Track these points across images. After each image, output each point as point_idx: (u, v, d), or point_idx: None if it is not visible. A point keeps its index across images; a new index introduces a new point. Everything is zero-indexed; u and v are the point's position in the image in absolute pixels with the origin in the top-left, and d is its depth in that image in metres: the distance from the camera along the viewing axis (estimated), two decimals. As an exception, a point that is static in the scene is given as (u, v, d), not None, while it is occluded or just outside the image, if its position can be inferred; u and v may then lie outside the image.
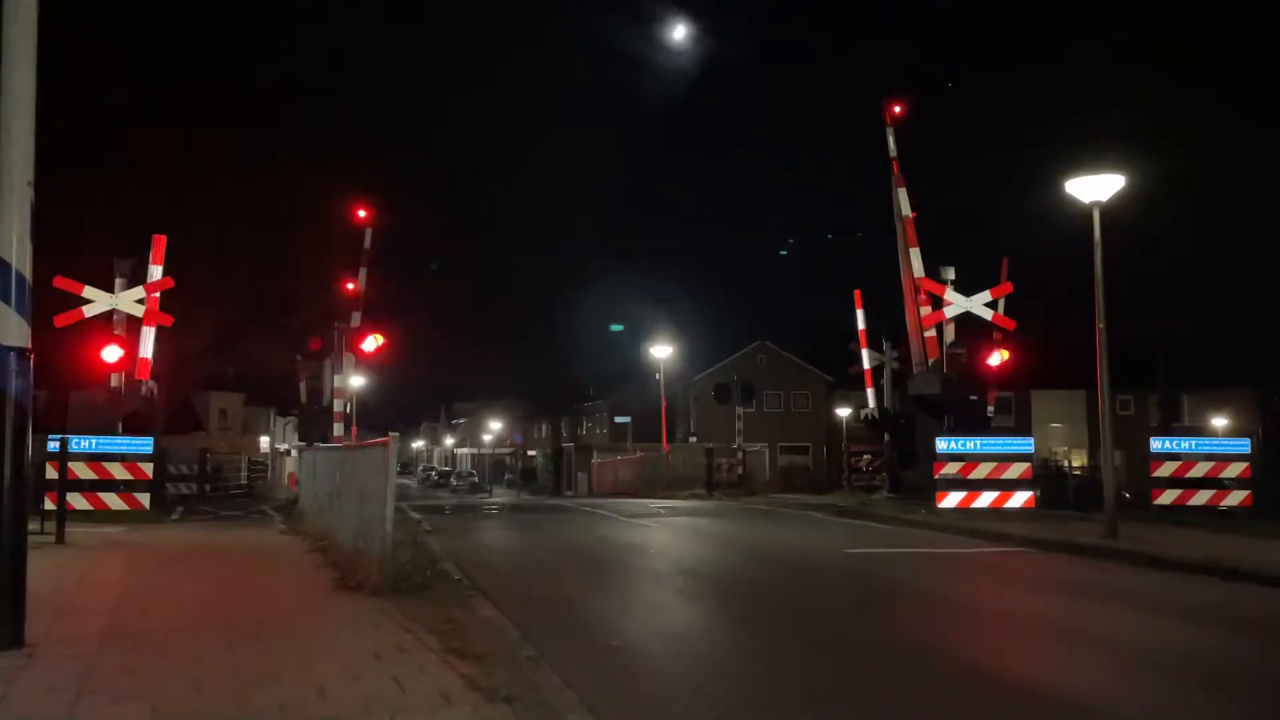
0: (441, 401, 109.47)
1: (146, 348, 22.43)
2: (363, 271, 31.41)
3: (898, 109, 28.47)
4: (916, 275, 25.78)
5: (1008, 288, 24.14)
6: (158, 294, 22.43)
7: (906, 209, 26.93)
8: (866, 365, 31.92)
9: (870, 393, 31.81)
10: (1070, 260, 24.48)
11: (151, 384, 22.75)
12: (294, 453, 43.35)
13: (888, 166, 28.01)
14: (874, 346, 32.63)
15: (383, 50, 58.25)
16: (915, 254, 26.09)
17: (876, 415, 31.41)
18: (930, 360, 24.90)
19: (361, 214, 31.50)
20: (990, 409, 23.85)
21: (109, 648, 7.10)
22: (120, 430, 21.60)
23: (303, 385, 33.88)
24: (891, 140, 28.09)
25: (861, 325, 32.10)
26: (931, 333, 25.17)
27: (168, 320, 22.16)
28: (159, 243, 22.39)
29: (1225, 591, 11.71)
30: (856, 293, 32.26)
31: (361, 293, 31.26)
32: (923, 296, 25.51)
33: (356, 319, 30.89)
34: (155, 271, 22.51)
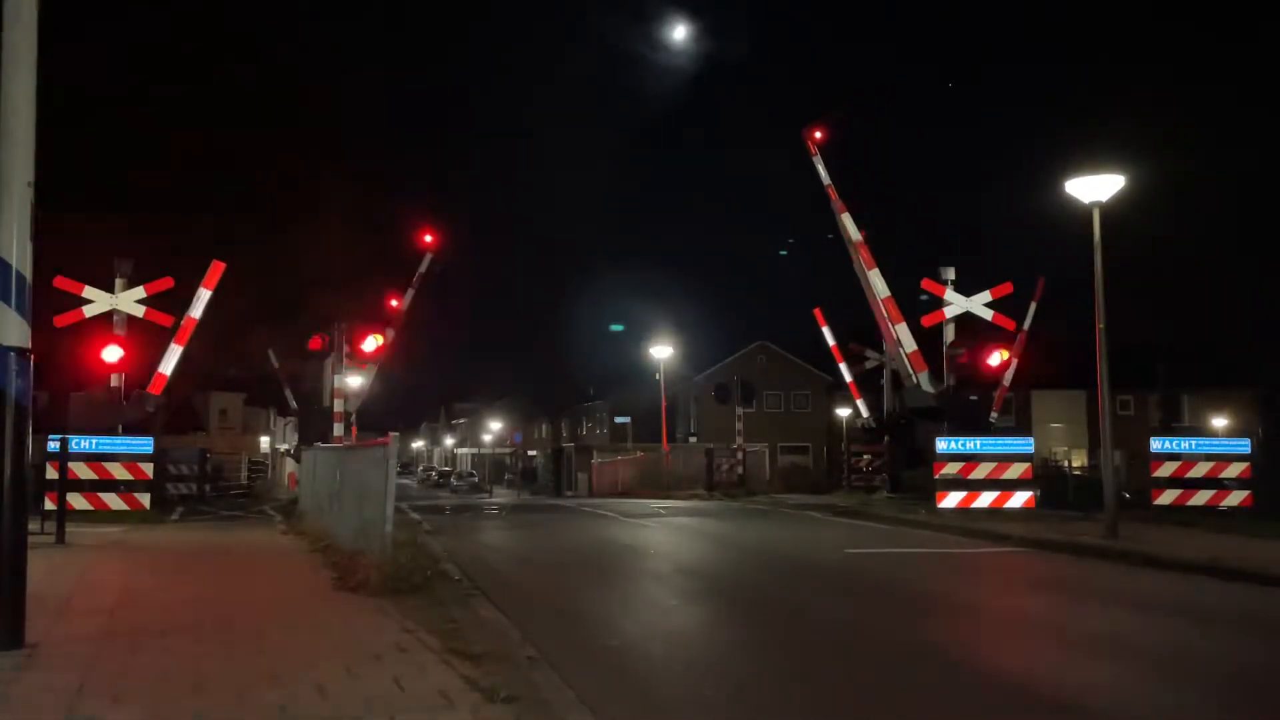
0: (441, 401, 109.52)
1: (168, 365, 22.54)
2: (410, 292, 31.95)
3: (819, 135, 28.04)
4: (881, 296, 25.52)
5: (1007, 288, 24.12)
6: (197, 315, 22.62)
7: (855, 234, 26.56)
8: (848, 379, 32.41)
9: (860, 403, 32.08)
10: (1070, 260, 24.50)
11: (161, 399, 22.78)
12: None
13: (826, 195, 27.38)
14: (873, 347, 32.80)
15: (383, 51, 58.20)
16: (875, 275, 25.79)
17: (873, 424, 31.51)
18: (918, 374, 24.73)
19: (428, 239, 32.19)
20: (994, 414, 23.76)
21: (109, 648, 7.10)
22: (120, 430, 21.60)
23: (288, 392, 34.10)
24: (821, 169, 27.65)
25: (832, 341, 32.66)
26: (914, 347, 25.03)
27: (168, 320, 22.16)
28: (216, 269, 22.55)
29: (1225, 591, 11.71)
30: (817, 311, 32.88)
31: (404, 311, 31.76)
32: (894, 314, 25.35)
33: (390, 335, 31.46)
34: (204, 295, 22.71)
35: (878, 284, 25.72)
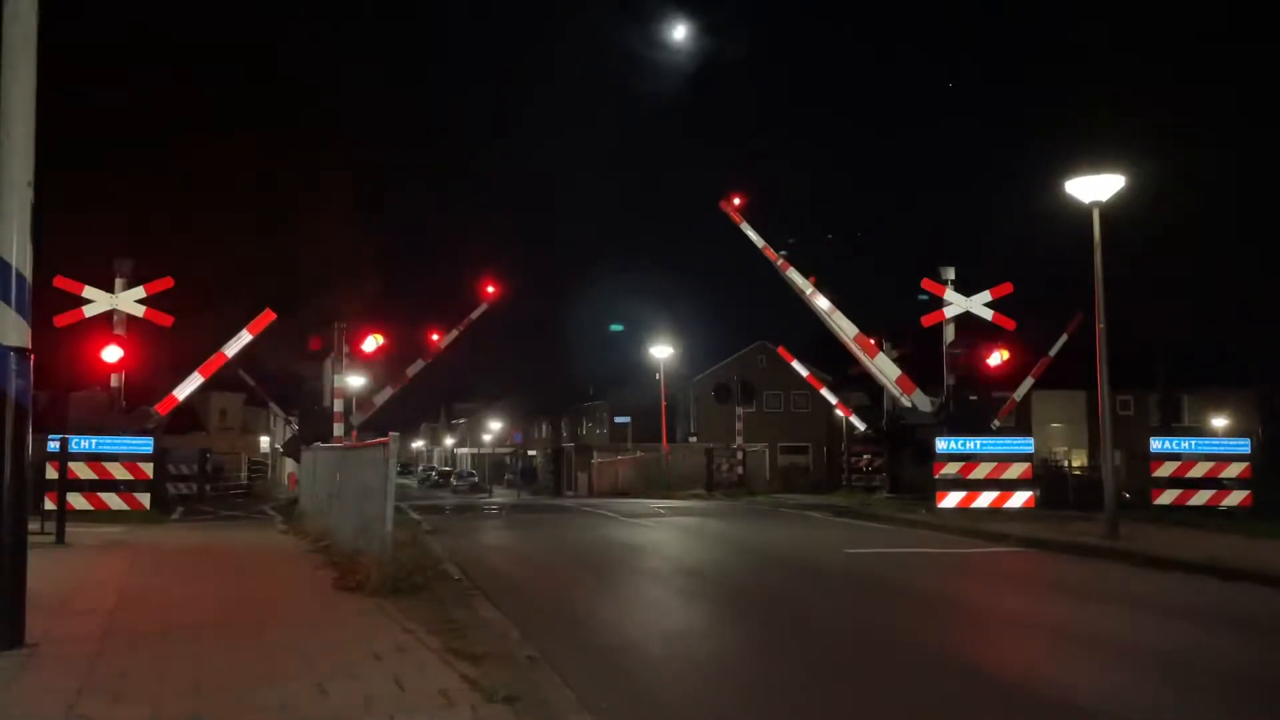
0: (441, 401, 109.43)
1: (184, 391, 22.75)
2: (455, 333, 32.67)
3: (738, 202, 28.33)
4: (851, 335, 25.64)
5: (1007, 288, 24.07)
6: (231, 354, 23.09)
7: (805, 286, 26.74)
8: (834, 399, 32.65)
9: (854, 419, 32.34)
10: (1070, 260, 24.49)
11: (165, 420, 22.88)
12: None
13: (765, 258, 27.58)
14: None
15: (381, 51, 58.26)
16: (839, 316, 25.91)
17: (871, 434, 31.71)
18: (909, 396, 24.66)
19: (490, 289, 33.32)
20: (997, 423, 23.68)
21: (109, 648, 7.10)
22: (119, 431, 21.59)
23: (272, 405, 34.27)
24: (751, 234, 27.88)
25: (805, 372, 33.76)
26: (897, 373, 25.10)
27: (168, 320, 22.15)
28: (266, 316, 22.96)
29: (1225, 591, 11.71)
30: (781, 349, 33.21)
31: (441, 348, 32.67)
32: (868, 348, 25.50)
33: (418, 365, 32.34)
34: (245, 337, 23.20)
35: (844, 324, 25.82)
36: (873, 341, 26.24)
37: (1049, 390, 50.37)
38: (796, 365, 33.78)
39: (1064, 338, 26.65)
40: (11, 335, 6.90)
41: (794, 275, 26.95)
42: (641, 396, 56.71)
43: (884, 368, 25.36)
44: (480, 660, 6.75)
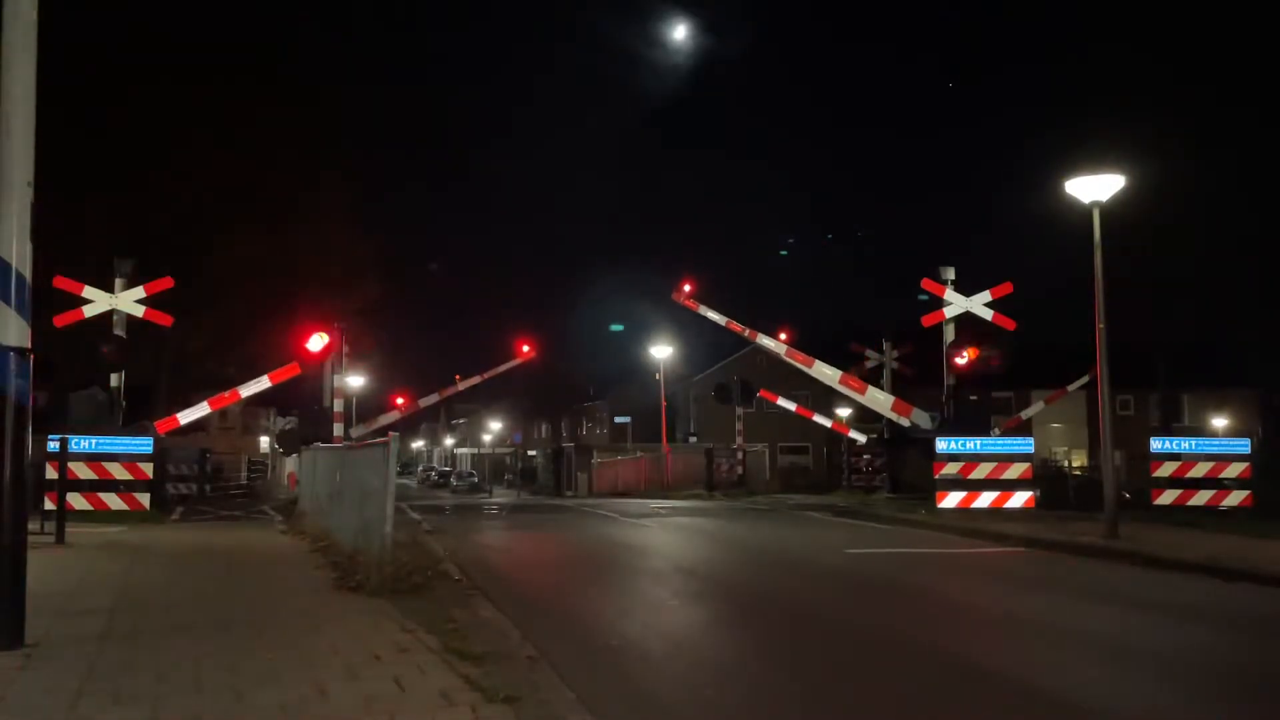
0: (441, 402, 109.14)
1: (189, 417, 23.01)
2: (477, 379, 33.31)
3: (688, 288, 28.99)
4: (836, 379, 26.03)
5: (1007, 288, 24.04)
6: (245, 394, 23.49)
7: (779, 348, 27.23)
8: (829, 423, 33.29)
9: (854, 433, 32.60)
10: (1070, 260, 24.44)
11: (164, 438, 22.97)
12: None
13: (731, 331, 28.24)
14: (875, 347, 33.11)
15: (382, 49, 58.26)
16: (819, 366, 26.24)
17: (874, 444, 31.89)
18: (906, 418, 24.71)
19: (525, 349, 34.92)
20: (996, 432, 23.66)
21: (109, 648, 7.10)
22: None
23: (267, 421, 34.43)
24: (711, 314, 28.42)
25: (794, 406, 34.59)
26: (890, 400, 25.23)
27: (168, 320, 22.12)
28: (291, 369, 23.36)
29: (1225, 591, 11.72)
30: (763, 392, 33.82)
31: (459, 389, 34.31)
32: (856, 386, 25.90)
33: (433, 398, 33.04)
34: (264, 382, 23.51)
35: (826, 371, 26.21)
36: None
37: (1049, 390, 50.44)
38: (783, 402, 34.46)
39: (1085, 379, 26.87)
40: (11, 335, 6.89)
41: (765, 340, 27.56)
42: (641, 396, 56.70)
43: (877, 398, 25.65)
44: (480, 660, 6.75)
